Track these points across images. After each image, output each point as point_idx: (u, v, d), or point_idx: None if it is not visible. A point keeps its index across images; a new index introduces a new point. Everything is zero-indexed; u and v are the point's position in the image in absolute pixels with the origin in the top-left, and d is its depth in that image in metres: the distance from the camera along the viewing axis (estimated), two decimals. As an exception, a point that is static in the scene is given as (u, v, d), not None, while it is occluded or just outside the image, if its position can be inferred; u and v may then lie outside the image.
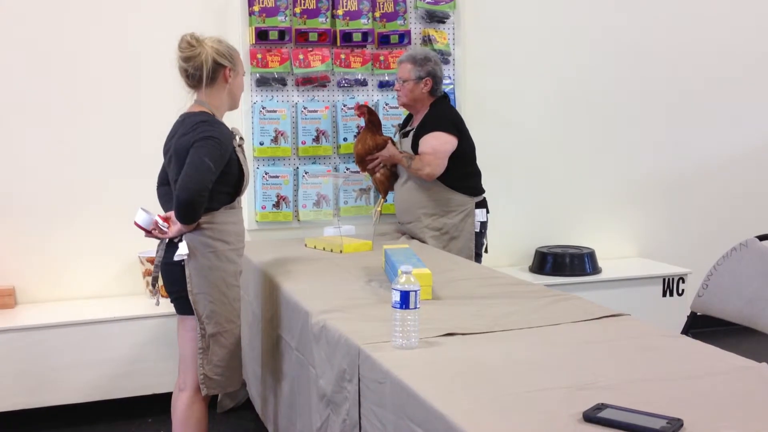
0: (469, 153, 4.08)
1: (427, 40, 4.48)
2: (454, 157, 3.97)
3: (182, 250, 2.88)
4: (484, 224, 4.11)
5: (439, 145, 3.93)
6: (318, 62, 4.29)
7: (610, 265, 4.80)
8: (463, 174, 4.03)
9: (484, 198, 4.14)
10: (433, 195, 4.00)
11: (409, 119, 4.25)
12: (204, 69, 2.92)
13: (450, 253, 3.81)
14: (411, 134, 4.05)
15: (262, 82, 4.25)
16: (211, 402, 3.15)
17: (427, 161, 3.92)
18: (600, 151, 4.99)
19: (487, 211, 4.14)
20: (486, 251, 4.20)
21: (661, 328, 2.46)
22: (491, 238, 4.27)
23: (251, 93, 4.23)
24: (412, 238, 4.05)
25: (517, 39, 4.74)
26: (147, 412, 4.03)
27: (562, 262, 4.67)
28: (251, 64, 4.19)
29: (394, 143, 4.11)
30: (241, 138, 3.02)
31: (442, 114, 4.03)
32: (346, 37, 4.32)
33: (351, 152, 4.40)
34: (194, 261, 2.90)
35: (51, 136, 4.07)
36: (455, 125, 4.01)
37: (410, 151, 4.01)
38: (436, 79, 4.04)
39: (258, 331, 3.45)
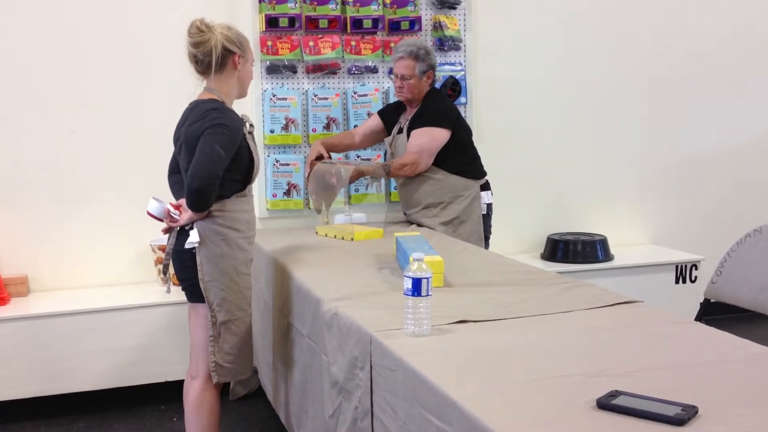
0: (467, 139, 4.06)
1: (437, 27, 4.45)
2: (452, 147, 3.96)
3: (193, 237, 2.88)
4: (489, 206, 4.11)
5: (426, 143, 3.91)
6: (328, 49, 4.27)
7: (622, 253, 4.78)
8: (464, 160, 4.02)
9: (487, 180, 4.13)
10: (439, 183, 3.99)
11: (397, 107, 4.21)
12: (213, 55, 2.91)
13: (461, 240, 3.80)
14: (405, 129, 4.02)
15: (273, 70, 4.24)
16: (223, 389, 3.16)
17: (410, 160, 3.91)
18: (612, 137, 4.96)
19: (491, 193, 4.13)
20: (490, 233, 4.18)
21: (675, 315, 2.45)
22: (503, 226, 4.26)
23: (261, 80, 4.22)
24: (421, 226, 4.03)
25: (528, 25, 4.71)
26: (160, 400, 4.05)
27: (574, 250, 4.65)
28: (261, 51, 4.18)
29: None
30: (251, 125, 3.02)
31: (435, 107, 4.00)
32: (357, 23, 4.30)
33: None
34: (205, 249, 2.90)
35: (63, 125, 4.07)
36: (449, 118, 3.98)
37: (405, 146, 3.97)
38: (435, 69, 4.04)
39: (269, 319, 3.45)
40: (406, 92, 4.00)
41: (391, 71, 4.40)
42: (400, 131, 4.08)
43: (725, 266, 3.15)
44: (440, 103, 4.06)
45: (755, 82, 5.21)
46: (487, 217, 4.10)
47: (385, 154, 4.45)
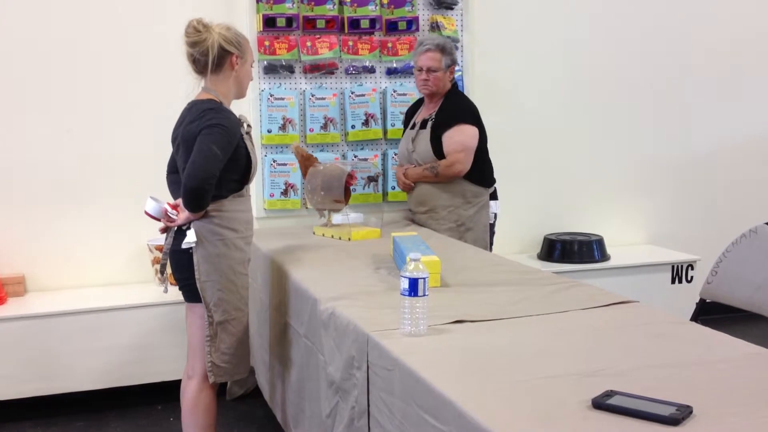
0: (484, 144, 4.04)
1: (435, 27, 4.46)
2: None
3: (190, 237, 2.89)
4: (495, 215, 4.10)
5: (467, 140, 3.91)
6: (326, 49, 4.28)
7: (618, 252, 4.79)
8: (479, 165, 3.99)
9: (495, 188, 4.12)
10: (450, 187, 3.96)
11: (415, 107, 4.21)
12: (210, 55, 2.91)
13: (458, 240, 3.80)
14: (429, 125, 3.98)
15: (270, 70, 4.24)
16: (220, 389, 3.16)
17: (457, 158, 3.89)
18: (609, 137, 4.96)
19: (498, 203, 4.12)
20: (493, 241, 4.18)
21: (670, 315, 2.45)
22: (500, 226, 4.26)
23: (259, 80, 4.22)
24: (424, 227, 4.01)
25: (525, 25, 4.72)
26: (156, 400, 4.05)
27: (570, 250, 4.66)
28: (259, 51, 4.18)
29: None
30: (248, 125, 3.02)
31: (461, 105, 4.00)
32: (354, 23, 4.30)
33: (359, 139, 4.40)
34: (202, 248, 2.90)
35: (59, 124, 4.07)
36: (475, 116, 3.98)
37: (428, 142, 3.96)
38: (456, 64, 4.04)
39: (266, 319, 3.45)
40: (431, 85, 3.97)
41: (390, 71, 4.42)
42: (423, 126, 4.02)
43: (721, 266, 3.15)
44: (467, 102, 4.06)
45: (752, 83, 5.21)
46: (491, 226, 4.10)
47: (384, 155, 4.46)
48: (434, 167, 3.93)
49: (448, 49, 3.97)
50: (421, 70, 3.98)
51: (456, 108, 3.97)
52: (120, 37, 4.11)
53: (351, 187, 3.88)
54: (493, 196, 4.08)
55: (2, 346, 3.75)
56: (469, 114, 3.96)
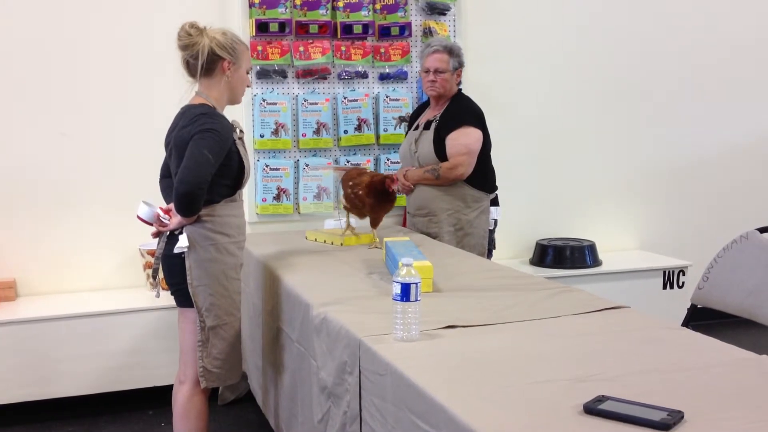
0: (488, 149, 4.03)
1: (427, 32, 4.46)
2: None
3: (182, 242, 2.88)
4: (495, 221, 4.09)
5: (472, 143, 3.90)
6: (318, 54, 4.28)
7: (610, 258, 4.80)
8: (482, 169, 3.98)
9: (497, 195, 4.10)
10: (451, 190, 3.95)
11: (420, 109, 4.21)
12: (200, 59, 2.91)
13: (451, 246, 3.80)
14: (433, 126, 3.97)
15: (263, 74, 4.24)
16: (212, 394, 3.16)
17: (460, 161, 3.88)
18: (601, 143, 4.98)
19: (499, 209, 4.11)
20: (494, 247, 4.17)
21: (662, 320, 2.46)
22: (492, 231, 4.28)
23: (252, 85, 4.22)
24: (422, 231, 4.01)
25: (517, 30, 4.73)
26: (148, 405, 4.04)
27: (562, 255, 4.67)
28: (252, 56, 4.17)
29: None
30: (241, 131, 3.02)
31: (468, 108, 3.99)
32: (347, 29, 4.30)
33: (351, 144, 4.40)
34: (194, 253, 2.90)
35: (52, 128, 4.07)
36: (480, 120, 3.97)
37: (431, 143, 3.95)
38: (463, 67, 4.05)
39: (259, 324, 3.45)
40: (438, 87, 3.97)
41: (382, 77, 4.42)
42: (427, 127, 4.01)
43: (712, 272, 3.17)
44: (473, 105, 4.04)
45: (745, 88, 5.24)
46: (491, 232, 4.08)
47: (377, 160, 4.46)
48: (435, 169, 3.92)
49: (455, 51, 3.98)
50: (428, 71, 3.98)
51: (461, 110, 3.97)
52: (112, 43, 4.11)
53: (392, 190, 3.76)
54: (494, 203, 4.07)
55: (-7, 350, 3.74)
56: (475, 117, 3.96)
